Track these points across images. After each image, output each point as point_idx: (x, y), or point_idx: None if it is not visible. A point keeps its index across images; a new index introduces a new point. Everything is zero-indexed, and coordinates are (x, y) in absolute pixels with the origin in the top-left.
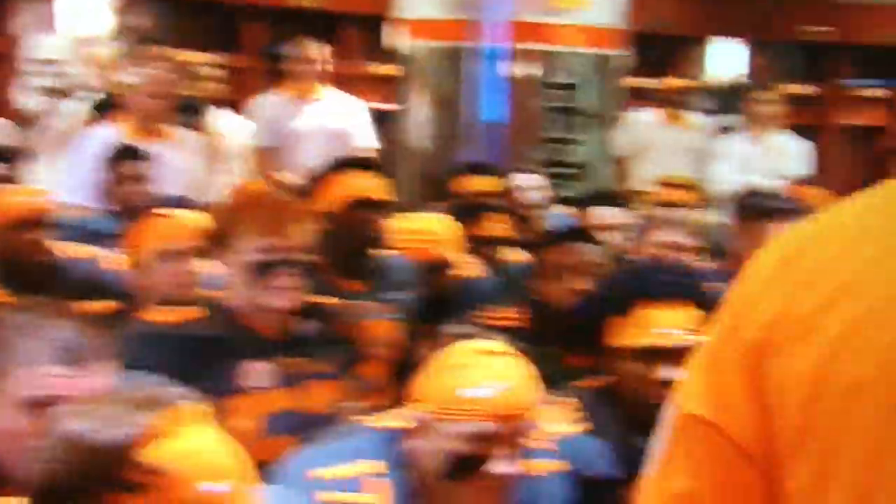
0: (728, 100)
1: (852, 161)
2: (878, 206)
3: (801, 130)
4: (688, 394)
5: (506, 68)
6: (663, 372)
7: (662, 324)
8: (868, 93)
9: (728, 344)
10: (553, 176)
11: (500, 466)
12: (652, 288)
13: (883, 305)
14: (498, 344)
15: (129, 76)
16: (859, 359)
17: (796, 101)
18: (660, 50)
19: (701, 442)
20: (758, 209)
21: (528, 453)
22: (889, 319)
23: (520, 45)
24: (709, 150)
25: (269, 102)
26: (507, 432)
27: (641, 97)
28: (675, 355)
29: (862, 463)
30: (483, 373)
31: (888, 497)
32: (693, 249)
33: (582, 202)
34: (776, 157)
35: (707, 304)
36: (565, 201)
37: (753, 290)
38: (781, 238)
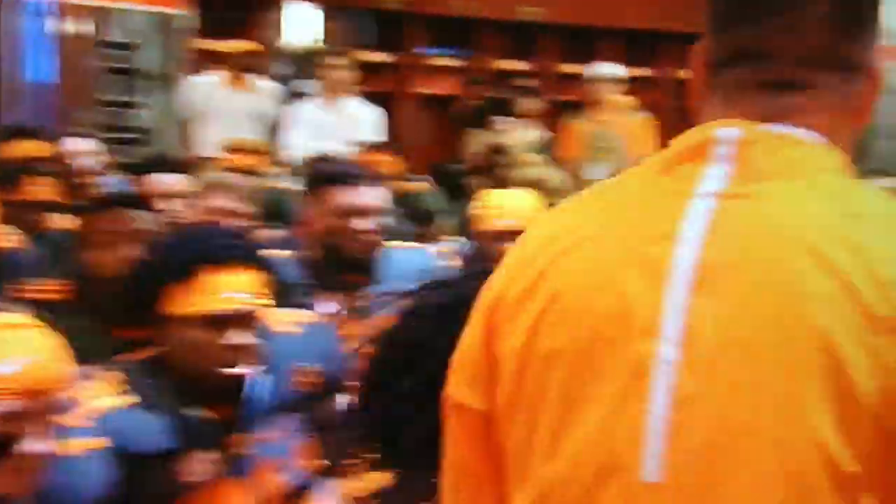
0: (302, 65)
1: (427, 128)
2: (592, 199)
3: (377, 98)
4: (453, 380)
5: (54, 24)
6: (229, 337)
7: (226, 288)
8: (442, 62)
9: (473, 328)
10: (113, 141)
11: (30, 445)
12: (211, 252)
13: (572, 288)
14: (22, 317)
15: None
16: (554, 333)
17: (372, 68)
18: (233, 12)
19: (461, 422)
20: (325, 175)
21: (63, 431)
22: (578, 298)
23: (69, 1)
24: (280, 116)
25: None
26: (36, 409)
27: (211, 60)
28: (240, 320)
29: (557, 418)
30: (5, 348)
31: (573, 444)
32: (246, 215)
33: (140, 168)
34: (349, 123)
35: (267, 268)
36: (124, 167)
37: (493, 277)
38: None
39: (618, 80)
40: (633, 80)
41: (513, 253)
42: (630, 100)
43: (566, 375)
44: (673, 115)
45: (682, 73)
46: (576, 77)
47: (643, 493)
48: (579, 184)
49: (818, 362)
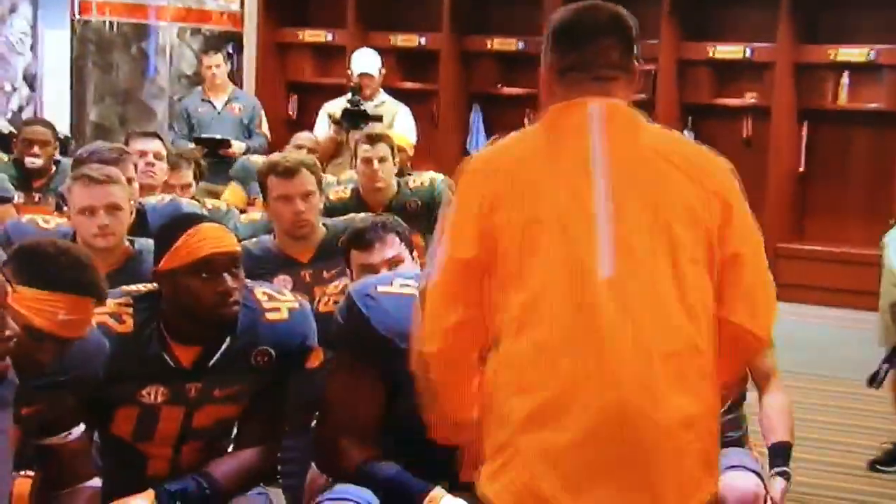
0: None
1: None
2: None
3: None
4: (453, 244)
5: None
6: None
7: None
8: None
9: (468, 212)
10: None
11: None
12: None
13: (541, 178)
14: None
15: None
16: (536, 206)
17: None
18: None
19: (464, 272)
20: None
21: None
22: (542, 187)
23: None
24: None
25: None
26: None
27: None
28: (230, 262)
29: (541, 267)
30: None
31: (550, 264)
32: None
33: None
34: None
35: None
36: None
37: (478, 182)
38: (486, 152)
39: None
40: None
41: (490, 165)
42: None
43: (548, 235)
44: None
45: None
46: None
47: (602, 284)
48: None
49: (676, 202)
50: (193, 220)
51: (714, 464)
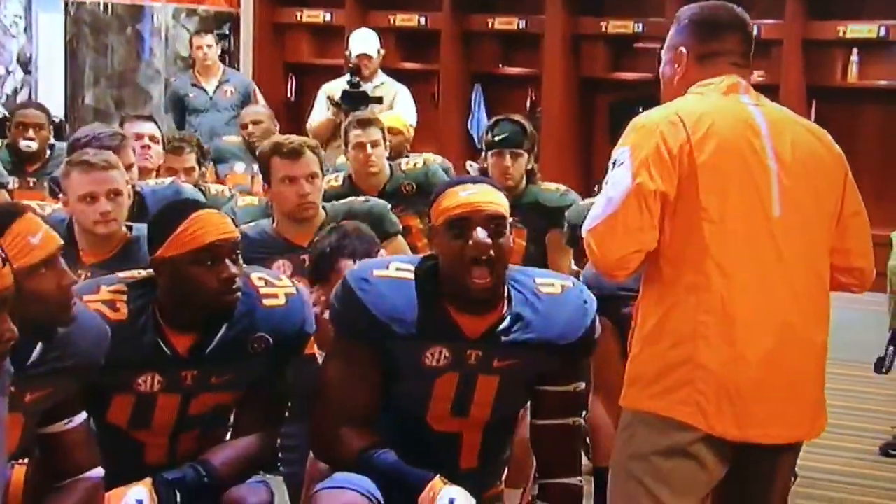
0: None
1: None
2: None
3: None
4: (637, 172)
5: None
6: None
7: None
8: None
9: (662, 144)
10: None
11: None
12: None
13: (722, 122)
14: None
15: None
16: (718, 142)
17: None
18: None
19: (651, 196)
20: None
21: None
22: (718, 126)
23: None
24: None
25: None
26: None
27: None
28: (230, 249)
29: (737, 179)
30: None
31: (743, 192)
32: None
33: None
34: None
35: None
36: None
37: (679, 119)
38: (679, 103)
39: None
40: None
41: (680, 116)
42: None
43: (727, 163)
44: None
45: None
46: None
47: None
48: None
49: (818, 161)
50: (192, 206)
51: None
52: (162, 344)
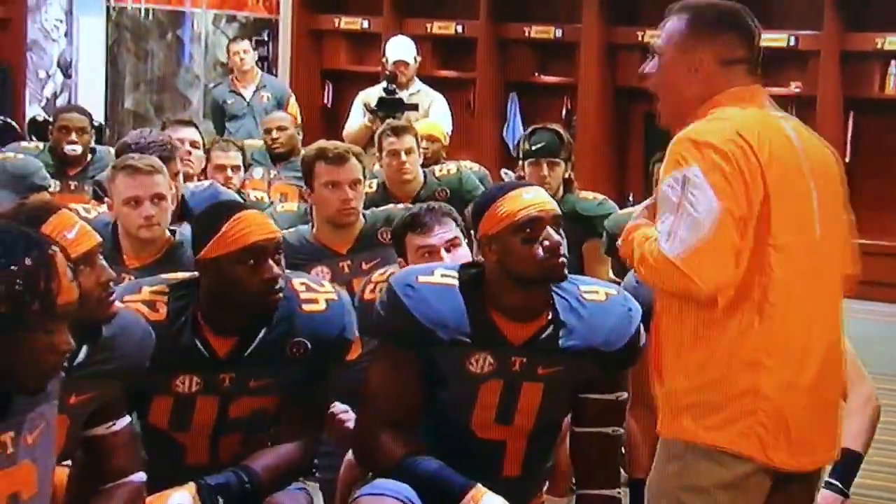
0: None
1: None
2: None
3: None
4: (722, 195)
5: None
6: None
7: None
8: None
9: (737, 167)
10: None
11: None
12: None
13: (776, 142)
14: None
15: None
16: (779, 165)
17: None
18: None
19: (733, 219)
20: None
21: None
22: (775, 146)
23: None
24: None
25: None
26: None
27: None
28: (273, 249)
29: (793, 202)
30: None
31: (798, 216)
32: None
33: None
34: None
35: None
36: None
37: (745, 141)
38: (738, 117)
39: None
40: None
41: (742, 136)
42: None
43: (791, 180)
44: None
45: None
46: None
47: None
48: None
49: (836, 173)
50: (235, 207)
51: None
52: (200, 345)
